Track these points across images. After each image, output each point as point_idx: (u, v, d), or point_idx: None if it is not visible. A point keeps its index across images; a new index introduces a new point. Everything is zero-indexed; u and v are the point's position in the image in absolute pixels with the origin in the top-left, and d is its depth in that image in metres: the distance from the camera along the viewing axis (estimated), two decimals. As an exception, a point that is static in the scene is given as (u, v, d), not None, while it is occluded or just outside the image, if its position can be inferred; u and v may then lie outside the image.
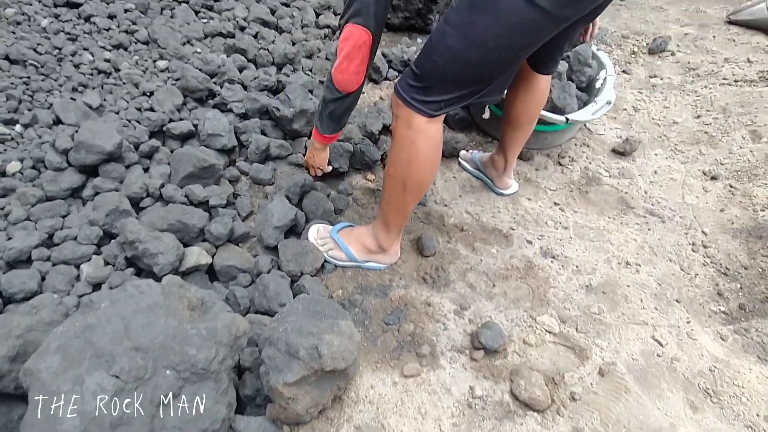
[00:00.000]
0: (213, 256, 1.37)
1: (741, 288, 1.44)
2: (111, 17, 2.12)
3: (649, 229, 1.62)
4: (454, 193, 1.75)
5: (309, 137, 1.87)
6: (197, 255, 1.30)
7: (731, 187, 1.72)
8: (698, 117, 2.02)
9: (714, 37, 2.55)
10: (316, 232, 1.46)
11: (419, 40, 2.59)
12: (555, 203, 1.72)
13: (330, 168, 1.61)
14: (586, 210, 1.70)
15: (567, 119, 1.69)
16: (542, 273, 1.46)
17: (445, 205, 1.70)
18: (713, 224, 1.63)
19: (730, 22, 2.68)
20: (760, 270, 1.47)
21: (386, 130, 1.98)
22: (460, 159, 1.87)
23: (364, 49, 1.10)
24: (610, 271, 1.48)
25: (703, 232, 1.61)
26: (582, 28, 1.25)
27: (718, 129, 1.92)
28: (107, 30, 2.03)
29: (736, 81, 2.14)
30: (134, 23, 2.11)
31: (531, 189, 1.78)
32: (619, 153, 1.90)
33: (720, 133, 1.91)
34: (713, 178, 1.78)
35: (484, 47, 0.94)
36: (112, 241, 1.30)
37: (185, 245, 1.34)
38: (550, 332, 1.30)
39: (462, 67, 1.00)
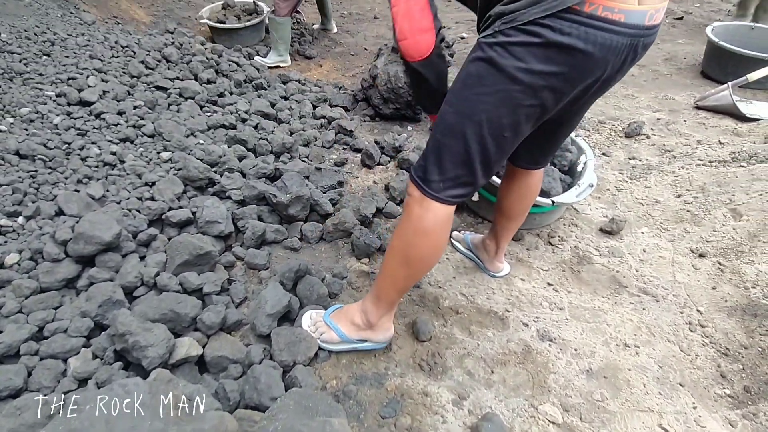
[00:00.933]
0: (204, 346, 1.34)
1: (743, 369, 1.41)
2: (120, 113, 2.26)
3: (644, 309, 1.62)
4: (447, 275, 1.76)
5: (305, 221, 1.92)
6: (188, 346, 1.27)
7: (720, 264, 1.75)
8: (679, 196, 2.11)
9: (685, 121, 2.74)
10: (309, 319, 1.44)
11: (409, 128, 2.75)
12: (548, 283, 1.73)
13: None
14: (580, 290, 1.70)
15: (553, 202, 1.76)
16: (541, 357, 1.43)
17: (440, 287, 1.70)
18: (707, 302, 1.63)
19: (698, 108, 2.88)
20: (760, 349, 1.45)
21: (379, 213, 2.04)
22: (452, 239, 1.90)
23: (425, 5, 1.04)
24: (609, 353, 1.45)
25: (698, 310, 1.61)
26: (568, 129, 1.26)
27: (699, 207, 2.00)
28: (116, 125, 2.16)
29: (710, 161, 2.26)
30: (142, 118, 2.25)
31: (524, 269, 1.80)
32: (607, 232, 1.95)
33: (702, 211, 1.98)
34: (701, 255, 1.81)
35: (475, 121, 0.99)
36: (103, 333, 1.28)
37: (177, 335, 1.32)
38: (553, 423, 1.24)
39: (457, 141, 1.03)
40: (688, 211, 2.02)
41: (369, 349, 1.41)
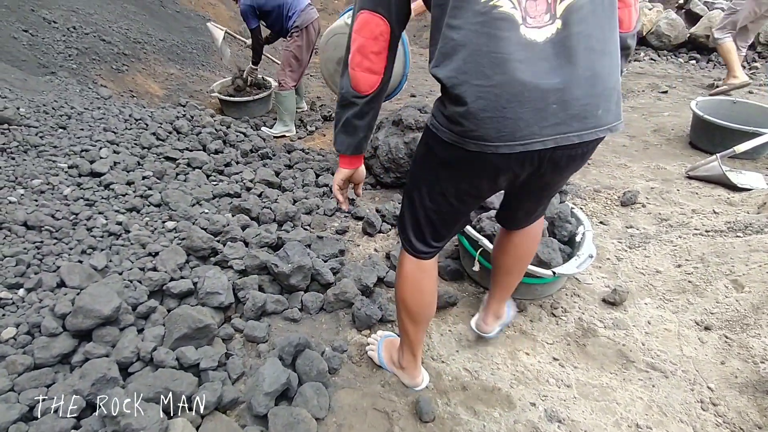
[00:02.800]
0: (198, 427, 1.29)
1: (763, 454, 1.34)
2: (129, 183, 2.33)
3: (653, 386, 1.57)
4: (450, 348, 1.73)
5: (305, 291, 1.92)
6: (181, 428, 1.22)
7: (726, 338, 1.72)
8: (679, 266, 2.11)
9: (678, 190, 2.81)
10: (376, 334, 1.72)
11: (410, 196, 2.82)
12: (554, 358, 1.68)
13: (357, 196, 1.48)
14: (587, 365, 1.66)
15: (554, 273, 1.76)
16: (549, 440, 1.37)
17: (443, 362, 1.66)
18: (717, 379, 1.59)
19: (690, 177, 2.97)
20: (779, 432, 1.39)
21: (381, 282, 2.03)
22: None
23: (381, 41, 1.03)
24: (621, 436, 1.39)
25: (708, 387, 1.56)
26: (536, 204, 1.31)
27: (700, 278, 1.99)
28: (124, 195, 2.22)
29: (707, 231, 2.29)
30: (150, 188, 2.31)
31: (528, 342, 1.76)
32: (610, 303, 1.94)
33: (703, 282, 1.97)
34: (707, 328, 1.78)
35: (420, 192, 1.15)
36: (94, 414, 1.24)
37: (170, 415, 1.28)
38: None
39: (410, 205, 1.20)
40: (689, 281, 2.01)
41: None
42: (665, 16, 6.01)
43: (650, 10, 6.17)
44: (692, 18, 6.09)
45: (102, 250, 1.85)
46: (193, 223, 2.11)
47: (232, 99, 4.04)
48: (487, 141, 0.91)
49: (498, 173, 1.01)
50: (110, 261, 1.79)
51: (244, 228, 2.15)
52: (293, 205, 2.46)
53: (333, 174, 3.03)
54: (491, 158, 0.94)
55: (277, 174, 2.83)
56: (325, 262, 2.01)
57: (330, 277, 1.92)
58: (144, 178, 2.38)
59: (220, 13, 6.29)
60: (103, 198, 2.17)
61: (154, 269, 1.77)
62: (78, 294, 1.50)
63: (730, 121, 3.21)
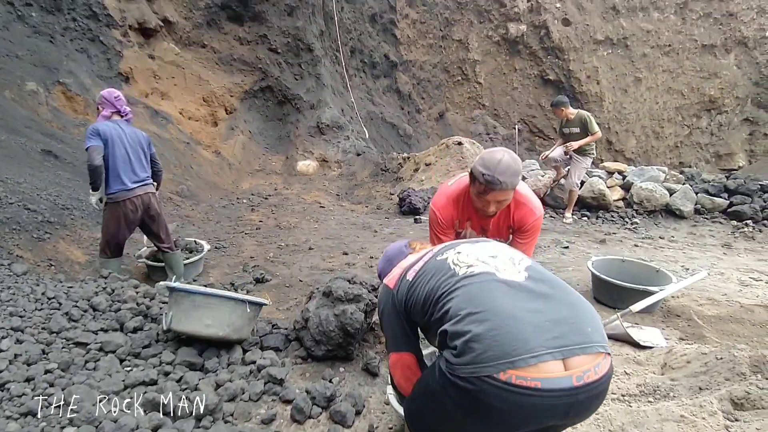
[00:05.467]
0: None
1: None
2: (28, 380, 2.10)
3: None
4: None
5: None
6: None
7: None
8: (604, 436, 2.18)
9: (591, 349, 3.02)
10: None
11: (341, 369, 2.76)
12: None
13: None
14: None
15: None
16: None
17: None
18: None
19: (600, 335, 3.24)
20: None
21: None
22: None
23: (413, 367, 1.56)
24: None
25: None
26: None
27: (624, 451, 2.06)
28: (20, 396, 1.98)
29: (623, 395, 2.43)
30: (52, 384, 2.09)
31: None
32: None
33: (627, 455, 2.03)
34: None
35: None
36: None
37: None
38: None
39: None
40: (615, 454, 2.06)
41: None
42: (557, 183, 7.15)
43: (543, 176, 7.35)
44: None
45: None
46: (97, 426, 1.89)
47: (159, 264, 3.98)
48: None
49: None
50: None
51: (155, 429, 1.95)
52: (215, 391, 2.30)
53: (261, 348, 2.94)
54: None
55: (201, 353, 2.69)
56: (247, 465, 1.84)
57: (251, 487, 1.74)
58: (47, 372, 2.15)
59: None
60: (-8, 403, 1.91)
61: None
62: None
63: (621, 279, 3.66)
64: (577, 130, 6.14)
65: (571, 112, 6.20)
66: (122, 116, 3.57)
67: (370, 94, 13.54)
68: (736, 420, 2.01)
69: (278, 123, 10.57)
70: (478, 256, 1.36)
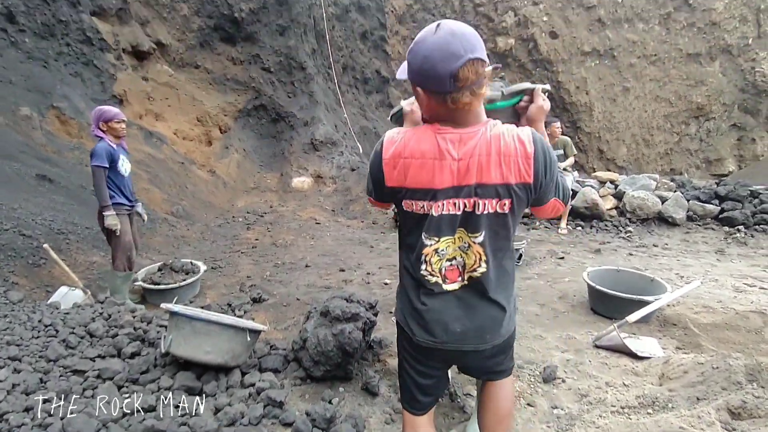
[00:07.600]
0: None
1: None
2: (27, 410, 2.09)
3: None
4: None
5: None
6: None
7: None
8: (604, 450, 2.18)
9: (590, 361, 3.03)
10: None
11: (341, 389, 2.76)
12: None
13: None
14: None
15: None
16: None
17: None
18: None
19: (597, 347, 3.25)
20: None
21: None
22: None
23: (380, 206, 1.79)
24: None
25: None
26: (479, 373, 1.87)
27: (625, 465, 2.06)
28: (19, 427, 1.97)
29: (622, 407, 2.44)
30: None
31: None
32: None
33: (628, 469, 2.04)
34: None
35: (401, 366, 1.75)
36: None
37: None
38: None
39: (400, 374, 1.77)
40: (616, 469, 2.06)
41: None
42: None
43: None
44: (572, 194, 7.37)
45: None
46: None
47: (156, 287, 3.97)
48: None
49: None
50: None
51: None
52: (215, 416, 2.29)
53: (260, 370, 2.92)
54: None
55: (199, 377, 2.67)
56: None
57: None
58: (45, 401, 2.14)
59: (153, 197, 6.54)
60: (-12, 437, 1.90)
61: None
62: None
63: (617, 289, 3.69)
64: (561, 152, 6.66)
65: (557, 132, 6.72)
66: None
67: (362, 109, 13.68)
68: (734, 430, 2.03)
69: (272, 140, 10.64)
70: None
